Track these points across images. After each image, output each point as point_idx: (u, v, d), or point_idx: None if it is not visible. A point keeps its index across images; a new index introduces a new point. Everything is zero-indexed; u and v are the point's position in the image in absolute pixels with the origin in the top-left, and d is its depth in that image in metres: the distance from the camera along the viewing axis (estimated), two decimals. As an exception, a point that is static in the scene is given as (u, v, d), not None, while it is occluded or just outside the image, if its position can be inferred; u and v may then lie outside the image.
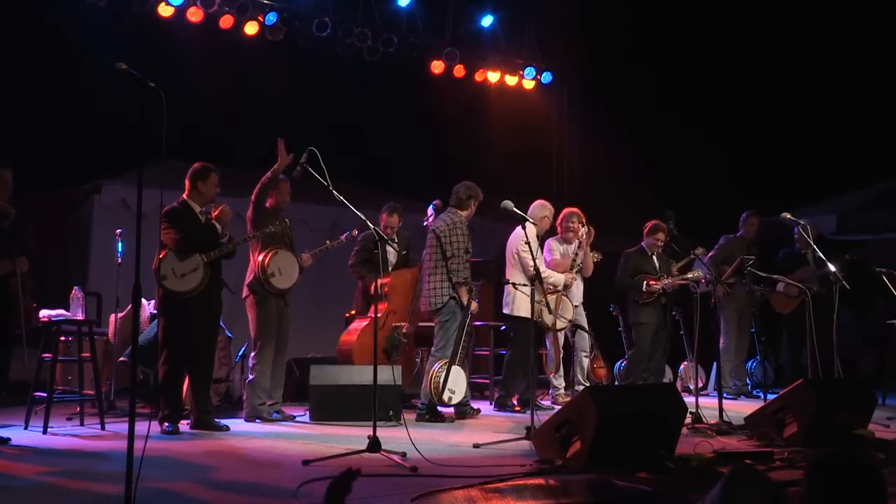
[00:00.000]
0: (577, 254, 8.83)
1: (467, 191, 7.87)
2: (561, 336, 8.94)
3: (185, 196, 7.11)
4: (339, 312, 10.32)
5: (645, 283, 9.12)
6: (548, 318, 8.43)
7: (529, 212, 8.25)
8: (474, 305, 7.80)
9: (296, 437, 6.75)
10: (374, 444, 5.65)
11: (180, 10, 9.91)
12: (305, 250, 8.00)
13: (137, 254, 4.15)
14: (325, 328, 10.32)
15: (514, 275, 8.38)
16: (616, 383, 9.74)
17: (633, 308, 9.31)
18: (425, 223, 8.34)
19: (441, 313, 7.73)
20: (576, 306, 8.88)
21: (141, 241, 4.22)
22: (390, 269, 8.65)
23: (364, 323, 8.61)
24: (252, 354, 7.60)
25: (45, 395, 6.75)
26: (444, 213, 7.98)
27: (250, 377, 7.56)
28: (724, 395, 9.38)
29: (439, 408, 7.75)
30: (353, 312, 10.24)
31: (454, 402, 7.71)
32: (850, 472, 2.64)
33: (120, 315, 8.07)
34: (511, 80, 12.82)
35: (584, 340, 9.16)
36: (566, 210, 9.14)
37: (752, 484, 2.84)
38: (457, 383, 7.67)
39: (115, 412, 7.60)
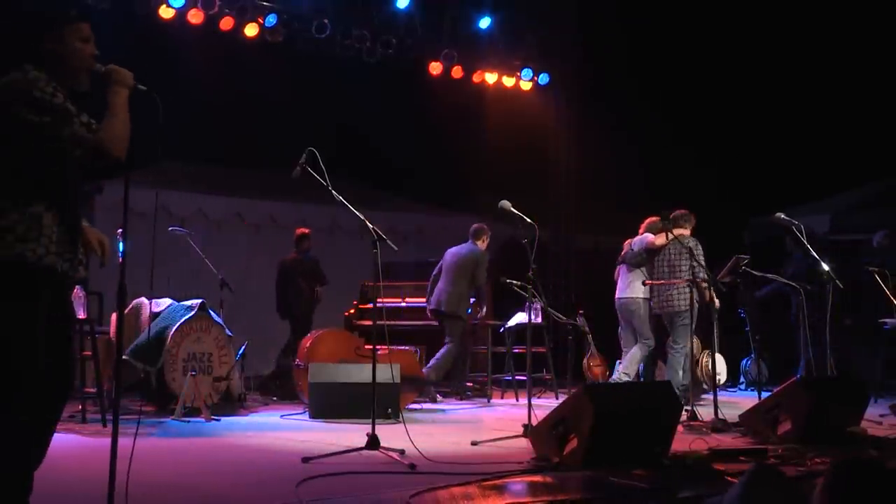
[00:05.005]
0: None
1: (686, 215, 9.10)
2: None
3: None
4: (338, 310, 10.42)
5: None
6: None
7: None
8: (717, 303, 9.07)
9: (295, 434, 6.80)
10: (373, 442, 5.71)
11: (181, 13, 9.96)
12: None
13: (122, 254, 4.15)
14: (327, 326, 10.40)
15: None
16: None
17: None
18: None
19: (683, 315, 8.73)
20: None
21: (127, 241, 4.24)
22: None
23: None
24: None
25: (48, 393, 6.79)
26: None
27: None
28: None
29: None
30: (351, 311, 10.32)
31: (722, 382, 9.42)
32: (871, 478, 2.59)
33: (121, 314, 8.12)
34: (508, 81, 12.87)
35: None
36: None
37: (771, 486, 2.82)
38: (721, 367, 9.59)
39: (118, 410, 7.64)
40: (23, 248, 3.45)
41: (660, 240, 8.96)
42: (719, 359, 9.94)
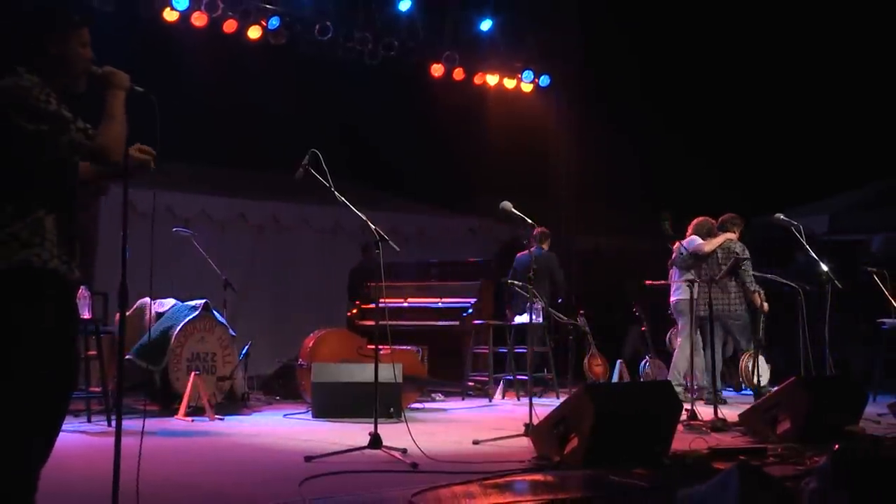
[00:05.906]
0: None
1: (735, 219, 9.36)
2: None
3: None
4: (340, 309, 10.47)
5: None
6: None
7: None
8: (766, 306, 9.27)
9: (298, 433, 6.85)
10: (376, 441, 5.75)
11: (184, 16, 10.01)
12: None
13: (123, 254, 4.14)
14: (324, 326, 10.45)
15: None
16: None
17: None
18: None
19: (741, 318, 9.12)
20: None
21: (126, 240, 4.25)
22: None
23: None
24: None
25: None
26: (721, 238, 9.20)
27: None
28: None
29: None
30: (354, 312, 10.36)
31: (763, 384, 9.33)
32: (873, 468, 2.59)
33: (127, 314, 8.18)
34: (510, 83, 12.91)
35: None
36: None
37: (763, 488, 2.84)
38: (763, 369, 9.52)
39: (122, 409, 7.68)
40: (28, 253, 3.48)
41: (708, 246, 9.01)
42: (762, 361, 9.96)
